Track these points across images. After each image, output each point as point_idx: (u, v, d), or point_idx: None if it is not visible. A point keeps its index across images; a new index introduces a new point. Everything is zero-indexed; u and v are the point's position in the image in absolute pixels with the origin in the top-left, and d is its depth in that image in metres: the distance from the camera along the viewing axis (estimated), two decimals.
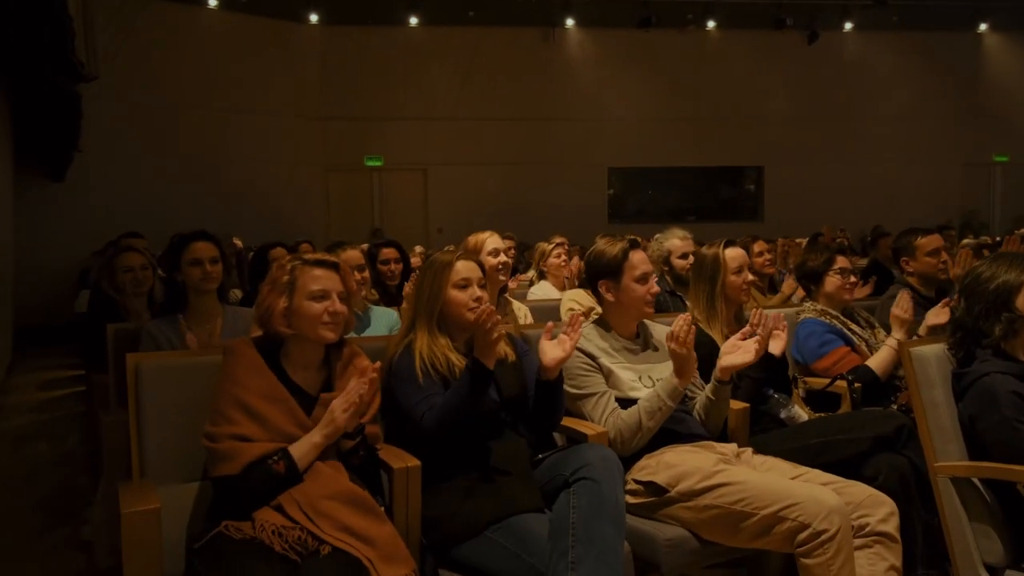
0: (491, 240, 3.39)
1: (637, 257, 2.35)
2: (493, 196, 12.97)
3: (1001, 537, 1.88)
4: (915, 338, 2.88)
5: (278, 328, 1.76)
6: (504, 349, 1.88)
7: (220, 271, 2.69)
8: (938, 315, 2.87)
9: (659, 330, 2.51)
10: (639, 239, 2.54)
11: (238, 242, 7.83)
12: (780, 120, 13.90)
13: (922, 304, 3.24)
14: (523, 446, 2.01)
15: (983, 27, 13.73)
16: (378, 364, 1.77)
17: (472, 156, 13.21)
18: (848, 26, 13.41)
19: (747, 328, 2.28)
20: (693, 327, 2.12)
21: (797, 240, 9.21)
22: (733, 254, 2.73)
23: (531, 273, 5.92)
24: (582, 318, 2.15)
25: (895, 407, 2.86)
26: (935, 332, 2.83)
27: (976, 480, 1.92)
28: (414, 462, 1.83)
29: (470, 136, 13.14)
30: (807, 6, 12.79)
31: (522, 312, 3.39)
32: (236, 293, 4.36)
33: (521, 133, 13.28)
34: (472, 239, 3.45)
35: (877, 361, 2.88)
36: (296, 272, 1.78)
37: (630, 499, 2.05)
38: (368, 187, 13.64)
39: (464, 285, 2.07)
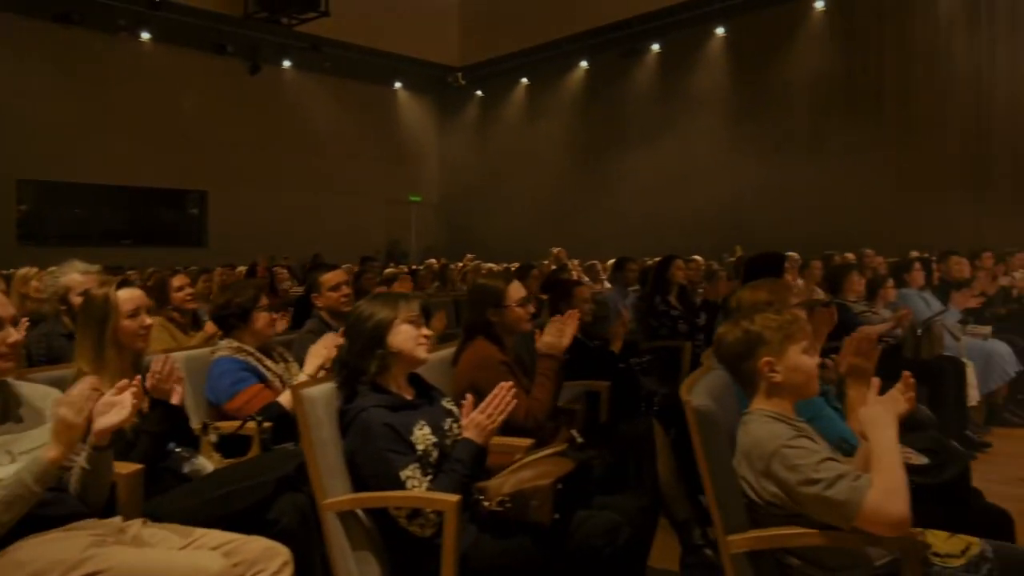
0: None
1: None
2: None
3: (379, 561, 2.02)
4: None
5: None
6: None
7: None
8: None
9: (27, 390, 2.06)
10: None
11: None
12: (225, 146, 13.75)
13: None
14: None
15: (398, 85, 15.98)
16: None
17: None
18: (287, 63, 14.03)
19: (123, 382, 1.99)
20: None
21: (239, 269, 9.16)
22: (128, 295, 2.44)
23: None
24: None
25: None
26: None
27: (360, 511, 2.03)
28: None
29: None
30: (249, 37, 12.96)
31: None
32: None
33: None
34: None
35: (286, 396, 2.90)
36: None
37: None
38: None
39: None
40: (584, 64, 13.96)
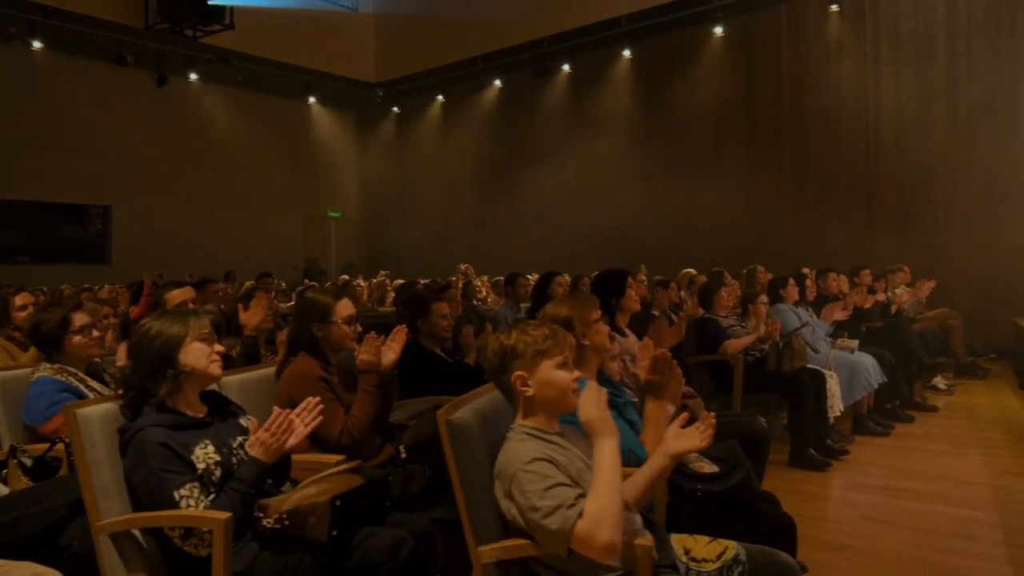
0: None
1: None
2: None
3: None
4: None
5: None
6: None
7: None
8: None
9: None
10: None
11: None
12: (131, 159, 13.31)
13: None
14: None
15: (312, 100, 15.79)
16: None
17: None
18: (195, 76, 13.70)
19: None
20: None
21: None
22: None
23: None
24: None
25: None
26: None
27: (138, 532, 1.98)
28: None
29: None
30: (152, 48, 12.60)
31: None
32: None
33: None
34: None
35: None
36: None
37: None
38: None
39: None
40: (498, 83, 14.10)
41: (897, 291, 8.23)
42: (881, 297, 7.60)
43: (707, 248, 10.98)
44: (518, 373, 1.80)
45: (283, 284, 11.74)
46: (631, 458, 2.20)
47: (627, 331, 3.63)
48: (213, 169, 14.44)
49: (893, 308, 7.48)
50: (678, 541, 1.93)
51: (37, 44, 11.59)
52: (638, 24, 11.93)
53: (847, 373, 5.63)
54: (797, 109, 11.11)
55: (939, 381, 7.46)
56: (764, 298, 5.64)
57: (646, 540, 1.63)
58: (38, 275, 10.98)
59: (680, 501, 2.25)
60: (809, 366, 5.19)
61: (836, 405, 5.35)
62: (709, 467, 2.31)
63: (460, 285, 9.54)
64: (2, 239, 12.99)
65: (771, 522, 2.24)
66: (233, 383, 2.56)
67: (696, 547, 1.90)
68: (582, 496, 1.62)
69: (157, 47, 12.53)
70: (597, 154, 12.69)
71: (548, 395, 1.78)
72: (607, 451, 1.65)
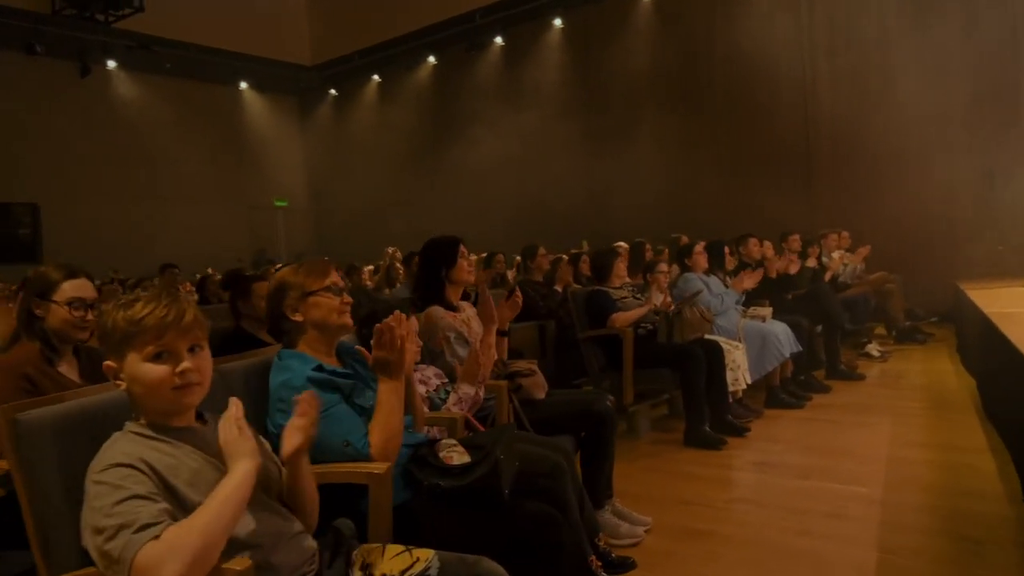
0: None
1: None
2: None
3: None
4: None
5: None
6: None
7: None
8: None
9: None
10: None
11: None
12: (58, 155, 12.76)
13: None
14: None
15: (243, 85, 15.20)
16: None
17: None
18: (111, 64, 13.06)
19: None
20: None
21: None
22: None
23: None
24: None
25: None
26: None
27: None
28: None
29: None
30: (70, 37, 12.00)
31: None
32: None
33: None
34: None
35: None
36: None
37: None
38: None
39: None
40: (432, 59, 13.65)
41: (834, 255, 7.90)
42: (812, 263, 7.27)
43: (646, 220, 10.62)
44: (106, 363, 1.42)
45: (199, 276, 11.33)
46: (348, 450, 1.84)
47: (461, 305, 3.26)
48: (145, 161, 13.89)
49: (828, 275, 7.16)
50: (364, 553, 1.57)
51: None
52: None
53: (758, 343, 5.32)
54: (732, 73, 10.71)
55: (872, 348, 7.16)
56: (664, 267, 5.29)
57: (240, 562, 1.26)
58: None
59: (418, 500, 1.89)
60: (707, 337, 4.85)
61: (742, 378, 5.03)
62: (460, 457, 1.95)
63: (384, 269, 9.16)
64: None
65: (525, 521, 1.88)
66: None
67: (381, 561, 1.54)
68: (169, 514, 1.25)
69: (72, 35, 11.92)
70: (533, 127, 12.29)
71: (138, 392, 1.39)
72: (231, 476, 1.31)
